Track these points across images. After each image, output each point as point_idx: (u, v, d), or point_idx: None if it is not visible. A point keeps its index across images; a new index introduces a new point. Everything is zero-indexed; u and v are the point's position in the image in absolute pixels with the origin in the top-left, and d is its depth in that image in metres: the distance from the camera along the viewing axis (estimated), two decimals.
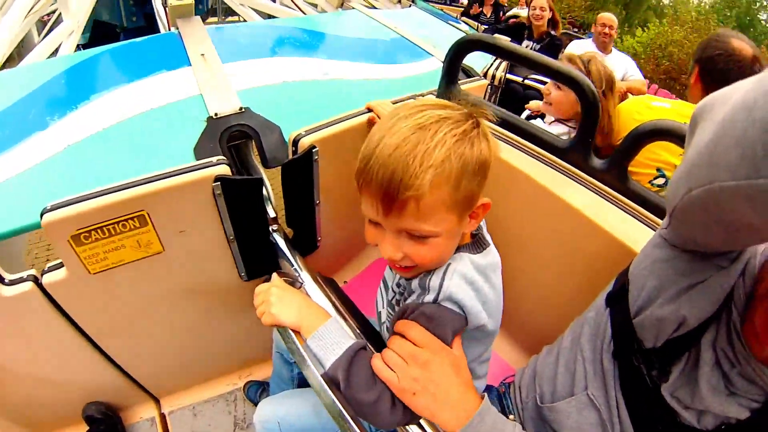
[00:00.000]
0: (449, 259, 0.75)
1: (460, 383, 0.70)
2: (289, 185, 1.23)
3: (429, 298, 0.71)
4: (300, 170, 1.22)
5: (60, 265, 1.10)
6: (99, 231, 1.04)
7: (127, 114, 1.40)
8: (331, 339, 0.79)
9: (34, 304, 1.14)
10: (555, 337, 1.01)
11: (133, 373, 1.51)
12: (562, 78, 1.21)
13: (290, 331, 0.85)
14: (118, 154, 1.29)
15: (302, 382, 1.27)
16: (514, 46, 1.28)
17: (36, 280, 1.11)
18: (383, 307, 0.95)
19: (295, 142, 1.22)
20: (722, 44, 1.62)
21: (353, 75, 1.70)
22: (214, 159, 1.10)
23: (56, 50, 2.26)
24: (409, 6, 2.78)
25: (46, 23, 3.26)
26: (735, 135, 0.44)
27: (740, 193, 0.44)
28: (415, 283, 0.75)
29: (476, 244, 0.79)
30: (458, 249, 0.76)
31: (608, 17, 3.50)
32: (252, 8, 2.70)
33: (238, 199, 1.11)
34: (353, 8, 2.37)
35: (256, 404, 1.58)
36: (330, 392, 0.77)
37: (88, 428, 1.55)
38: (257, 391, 1.64)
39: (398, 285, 0.86)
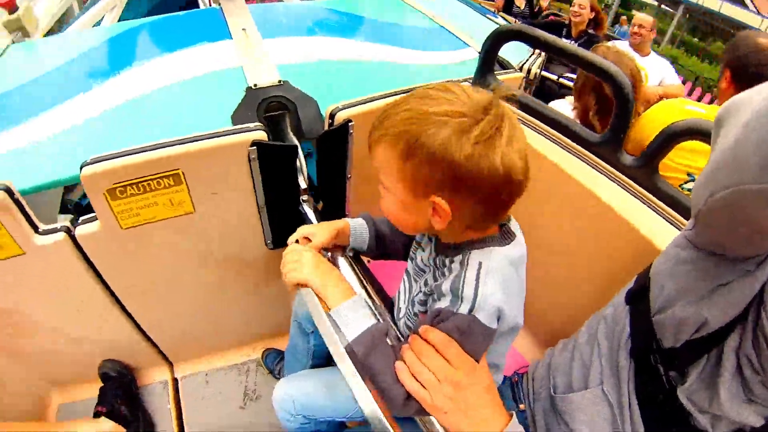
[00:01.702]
0: (480, 251, 0.72)
1: (492, 403, 0.70)
2: (322, 157, 1.24)
3: (464, 309, 0.68)
4: (335, 143, 1.22)
5: (93, 219, 1.13)
6: (134, 187, 1.07)
7: (168, 80, 1.43)
8: (355, 315, 0.80)
9: (65, 254, 1.17)
10: (571, 331, 0.99)
11: (151, 335, 1.53)
12: (596, 70, 1.19)
13: (315, 297, 0.86)
14: (157, 117, 1.32)
15: (317, 354, 1.28)
16: (552, 37, 1.27)
17: (69, 232, 1.14)
18: (404, 302, 0.93)
19: (332, 116, 1.23)
20: (750, 43, 1.58)
21: (389, 58, 1.70)
22: (251, 125, 1.12)
23: (98, 23, 2.32)
24: None
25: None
26: (757, 139, 0.44)
27: (763, 196, 0.45)
28: (446, 286, 0.71)
29: (504, 235, 0.76)
30: (486, 241, 0.73)
31: (642, 17, 3.35)
32: None
33: (273, 165, 1.13)
34: None
35: (271, 371, 1.61)
36: (350, 361, 0.77)
37: (102, 385, 1.58)
38: (275, 359, 1.65)
39: (426, 283, 0.84)
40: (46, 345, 1.49)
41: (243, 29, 1.64)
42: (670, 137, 1.07)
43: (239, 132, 1.08)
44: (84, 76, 1.55)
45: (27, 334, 1.43)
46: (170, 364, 1.72)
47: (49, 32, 2.17)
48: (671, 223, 1.10)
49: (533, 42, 1.30)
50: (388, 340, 0.78)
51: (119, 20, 2.46)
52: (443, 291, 0.71)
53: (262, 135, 1.09)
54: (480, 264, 0.70)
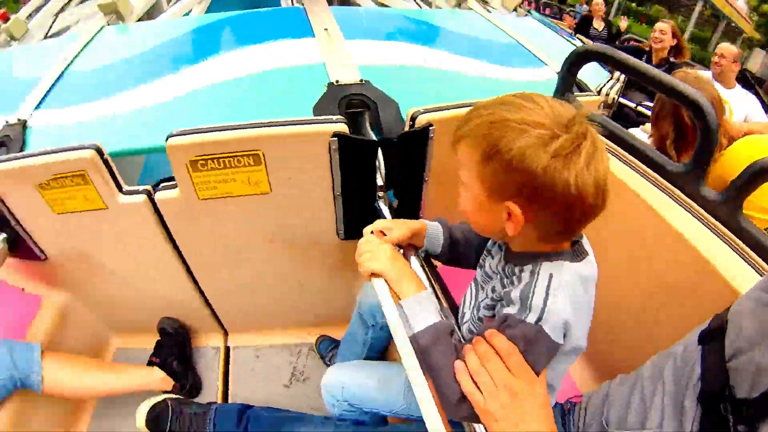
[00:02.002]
0: (551, 263, 0.70)
1: (545, 420, 0.67)
2: (401, 158, 1.23)
3: (531, 318, 0.67)
4: (414, 145, 1.21)
5: (173, 186, 1.17)
6: (215, 161, 1.10)
7: (251, 70, 1.47)
8: (423, 309, 0.79)
9: (143, 215, 1.23)
10: (630, 366, 0.93)
11: (212, 302, 1.58)
12: (677, 95, 1.13)
13: (387, 288, 0.85)
14: (239, 102, 1.37)
15: (373, 348, 1.27)
16: (634, 59, 1.22)
17: (149, 195, 1.20)
18: (469, 308, 0.91)
19: (413, 118, 1.21)
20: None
21: (468, 70, 1.69)
22: (333, 117, 1.12)
23: (187, 14, 2.43)
24: (525, 15, 2.76)
25: None
26: None
27: None
28: (515, 293, 0.70)
29: (576, 252, 0.74)
30: (557, 255, 0.72)
31: (724, 47, 3.11)
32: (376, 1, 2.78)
33: (352, 158, 1.12)
34: (470, 9, 2.38)
35: (323, 357, 1.62)
36: (413, 354, 0.75)
37: (158, 339, 1.67)
38: (328, 347, 1.65)
39: (493, 290, 0.82)
40: (114, 292, 1.58)
41: (325, 29, 1.67)
42: (759, 172, 0.99)
43: (322, 122, 1.09)
44: (172, 59, 1.62)
45: (99, 280, 1.53)
46: (225, 333, 1.77)
47: (140, 19, 2.29)
48: (753, 267, 1.01)
49: (615, 64, 1.25)
50: (452, 340, 0.77)
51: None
52: (512, 298, 0.70)
53: (343, 128, 1.09)
54: (551, 276, 0.69)
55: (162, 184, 1.20)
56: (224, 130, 1.07)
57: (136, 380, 1.52)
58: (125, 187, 1.22)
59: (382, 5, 2.67)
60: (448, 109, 1.25)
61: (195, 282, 1.48)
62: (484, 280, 0.88)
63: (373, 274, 0.89)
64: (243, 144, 1.07)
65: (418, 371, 0.72)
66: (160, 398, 1.41)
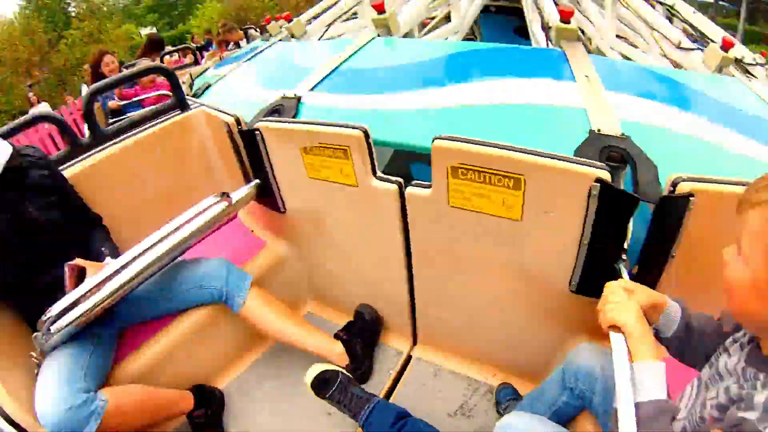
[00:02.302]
0: None
1: None
2: (654, 224, 1.17)
3: None
4: (670, 213, 1.14)
5: (426, 186, 1.27)
6: (475, 173, 1.16)
7: (511, 100, 1.54)
8: (654, 381, 0.76)
9: (389, 202, 1.35)
10: None
11: (417, 306, 1.64)
12: None
13: (624, 343, 0.83)
14: (499, 124, 1.44)
15: (559, 414, 1.20)
16: None
17: (401, 186, 1.31)
18: (686, 405, 0.83)
19: (674, 184, 1.14)
20: None
21: (732, 145, 1.53)
22: (597, 162, 1.11)
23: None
24: None
25: (425, 25, 3.83)
26: None
27: None
28: (758, 398, 0.62)
29: None
30: None
31: None
32: (621, 54, 2.72)
33: (609, 210, 1.09)
34: (733, 75, 2.16)
35: (498, 404, 1.56)
36: (633, 416, 0.72)
37: (351, 320, 1.76)
38: (507, 396, 1.56)
39: (727, 391, 0.72)
40: (330, 262, 1.75)
41: (586, 75, 1.67)
42: None
43: (587, 165, 1.08)
44: (436, 74, 1.79)
45: (322, 247, 1.72)
46: (413, 342, 1.80)
47: (405, 35, 2.58)
48: None
49: None
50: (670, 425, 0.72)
51: None
52: (754, 404, 0.63)
53: (607, 176, 1.07)
54: None
55: (414, 181, 1.31)
56: (491, 146, 1.12)
57: (319, 344, 1.63)
58: (379, 173, 1.35)
59: (627, 59, 2.60)
60: (715, 182, 1.14)
61: (410, 282, 1.54)
62: (713, 379, 0.80)
63: (613, 327, 0.87)
64: (508, 164, 1.11)
65: None
66: (333, 367, 1.52)
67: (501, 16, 3.93)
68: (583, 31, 2.07)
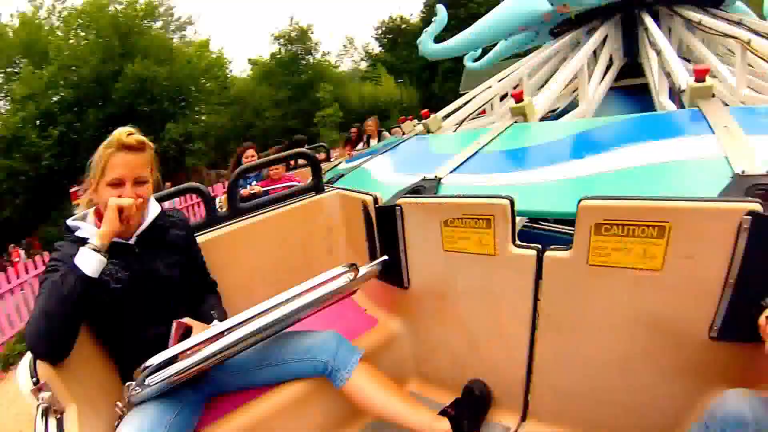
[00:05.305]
0: None
1: None
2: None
3: None
4: None
5: (565, 249, 1.36)
6: (619, 227, 1.23)
7: (652, 160, 1.64)
8: None
9: (526, 269, 1.40)
10: None
11: (534, 374, 1.57)
12: None
13: None
14: (640, 183, 1.52)
15: None
16: None
17: (539, 252, 1.39)
18: None
19: None
20: None
21: None
22: (746, 198, 1.16)
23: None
24: None
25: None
26: None
27: None
28: None
29: None
30: None
31: None
32: None
33: (763, 243, 1.08)
34: None
35: None
36: None
37: (458, 396, 1.66)
38: None
39: None
40: (442, 337, 1.74)
41: (725, 126, 1.73)
42: None
43: (733, 201, 1.14)
44: (567, 151, 1.96)
45: (441, 322, 1.72)
46: (523, 417, 1.66)
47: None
48: None
49: None
50: None
51: None
52: None
53: (758, 207, 1.08)
54: None
55: (553, 246, 1.40)
56: (635, 198, 1.22)
57: (424, 420, 1.51)
58: (518, 241, 1.44)
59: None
60: None
61: (530, 351, 1.52)
62: None
63: None
64: (652, 213, 1.18)
65: None
66: None
67: (624, 98, 4.03)
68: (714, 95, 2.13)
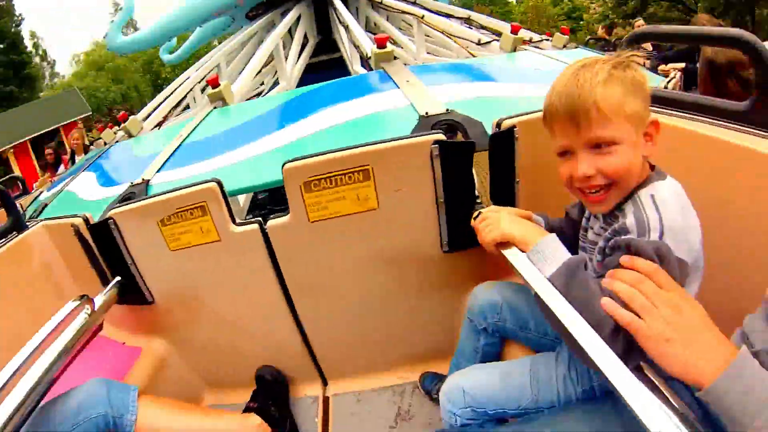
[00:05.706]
0: (646, 188, 0.76)
1: (714, 329, 0.62)
2: (493, 163, 1.31)
3: (654, 236, 0.70)
4: (503, 148, 1.29)
5: (284, 215, 1.30)
6: (327, 180, 1.21)
7: (350, 117, 1.67)
8: (553, 250, 0.82)
9: (253, 243, 1.34)
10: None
11: (313, 344, 1.59)
12: (726, 41, 1.11)
13: (518, 252, 0.88)
14: (339, 139, 1.53)
15: (487, 356, 1.22)
16: (678, 27, 1.29)
17: (261, 224, 1.32)
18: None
19: (499, 125, 1.30)
20: None
21: (539, 93, 1.81)
22: (432, 130, 1.24)
23: None
24: (575, 48, 2.98)
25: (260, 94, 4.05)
26: None
27: None
28: (629, 220, 0.73)
29: (659, 174, 0.79)
30: (648, 180, 0.78)
31: None
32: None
33: (452, 162, 1.20)
34: (526, 50, 2.59)
35: (428, 392, 1.53)
36: (556, 292, 0.75)
37: (254, 389, 1.61)
38: (433, 381, 1.54)
39: (606, 240, 0.80)
40: (214, 338, 1.64)
41: (407, 80, 1.86)
42: None
43: (423, 135, 1.20)
44: (275, 121, 1.88)
45: (200, 324, 1.60)
46: (324, 382, 1.73)
47: None
48: None
49: (670, 37, 1.34)
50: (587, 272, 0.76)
51: None
52: (627, 226, 0.73)
53: (441, 137, 1.19)
54: (652, 196, 0.74)
55: (272, 215, 1.34)
56: (336, 151, 1.19)
57: (233, 426, 1.43)
58: (238, 219, 1.34)
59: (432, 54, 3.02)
60: (528, 114, 1.31)
61: (298, 323, 1.52)
62: (590, 249, 0.90)
63: (498, 245, 0.92)
64: (354, 160, 1.18)
65: (570, 309, 0.71)
66: None
67: (323, 73, 4.28)
68: (395, 58, 2.33)
